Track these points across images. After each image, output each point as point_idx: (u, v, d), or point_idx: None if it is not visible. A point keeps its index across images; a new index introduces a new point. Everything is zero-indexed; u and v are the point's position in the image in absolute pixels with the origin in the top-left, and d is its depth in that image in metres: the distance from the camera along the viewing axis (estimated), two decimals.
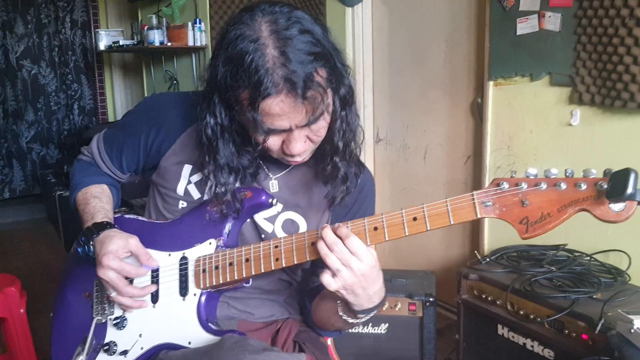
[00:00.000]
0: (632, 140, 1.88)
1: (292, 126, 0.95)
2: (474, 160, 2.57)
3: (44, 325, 1.31)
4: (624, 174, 0.79)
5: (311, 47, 0.91)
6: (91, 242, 1.10)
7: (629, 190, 0.77)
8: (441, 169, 2.76)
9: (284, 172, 1.16)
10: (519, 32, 2.13)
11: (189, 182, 1.16)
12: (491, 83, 2.30)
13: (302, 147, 0.99)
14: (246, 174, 1.09)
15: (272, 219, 1.15)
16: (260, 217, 1.14)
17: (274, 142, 0.99)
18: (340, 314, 1.04)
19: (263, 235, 1.15)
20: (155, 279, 1.13)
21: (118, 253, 1.07)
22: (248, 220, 1.14)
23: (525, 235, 0.88)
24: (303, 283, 1.25)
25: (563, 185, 0.86)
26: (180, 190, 1.16)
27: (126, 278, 1.09)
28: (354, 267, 0.92)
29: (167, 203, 1.18)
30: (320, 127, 0.99)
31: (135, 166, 1.24)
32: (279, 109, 0.91)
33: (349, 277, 0.92)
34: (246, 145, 1.06)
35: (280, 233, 1.14)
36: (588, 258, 1.94)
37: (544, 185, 0.87)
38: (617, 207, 0.83)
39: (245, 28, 0.91)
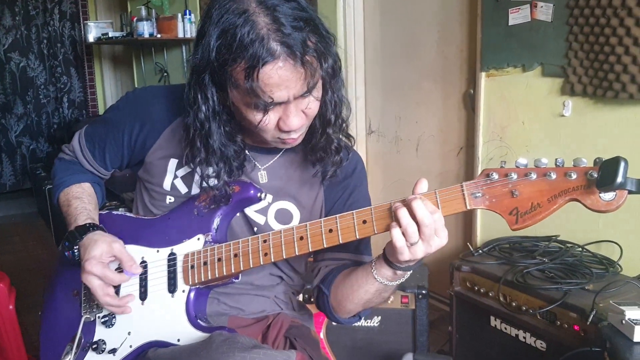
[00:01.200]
0: (624, 130, 1.88)
1: (289, 97, 0.92)
2: (467, 151, 2.56)
3: (34, 321, 1.30)
4: (614, 162, 0.78)
5: (299, 12, 0.90)
6: (75, 247, 1.09)
7: (619, 179, 0.77)
8: (434, 161, 2.76)
9: (272, 162, 1.14)
10: (511, 23, 2.12)
11: (176, 177, 1.14)
12: (483, 74, 2.29)
13: (299, 122, 0.97)
14: (232, 166, 1.07)
15: (264, 211, 1.13)
16: (250, 210, 1.13)
17: (269, 120, 0.96)
18: (375, 275, 1.00)
19: (255, 228, 1.13)
20: (143, 275, 1.12)
21: (102, 258, 1.05)
22: (238, 214, 1.13)
23: (515, 226, 0.87)
24: (309, 273, 1.23)
25: (553, 175, 0.85)
26: (166, 185, 1.14)
27: None
28: (433, 245, 0.90)
29: (154, 199, 1.17)
30: (315, 98, 0.98)
31: (120, 162, 1.22)
32: (278, 77, 0.89)
33: (422, 251, 0.90)
34: (234, 134, 1.04)
35: (274, 223, 1.13)
36: (580, 249, 1.94)
37: (533, 175, 0.86)
38: (607, 196, 0.82)
39: (232, 3, 0.90)
